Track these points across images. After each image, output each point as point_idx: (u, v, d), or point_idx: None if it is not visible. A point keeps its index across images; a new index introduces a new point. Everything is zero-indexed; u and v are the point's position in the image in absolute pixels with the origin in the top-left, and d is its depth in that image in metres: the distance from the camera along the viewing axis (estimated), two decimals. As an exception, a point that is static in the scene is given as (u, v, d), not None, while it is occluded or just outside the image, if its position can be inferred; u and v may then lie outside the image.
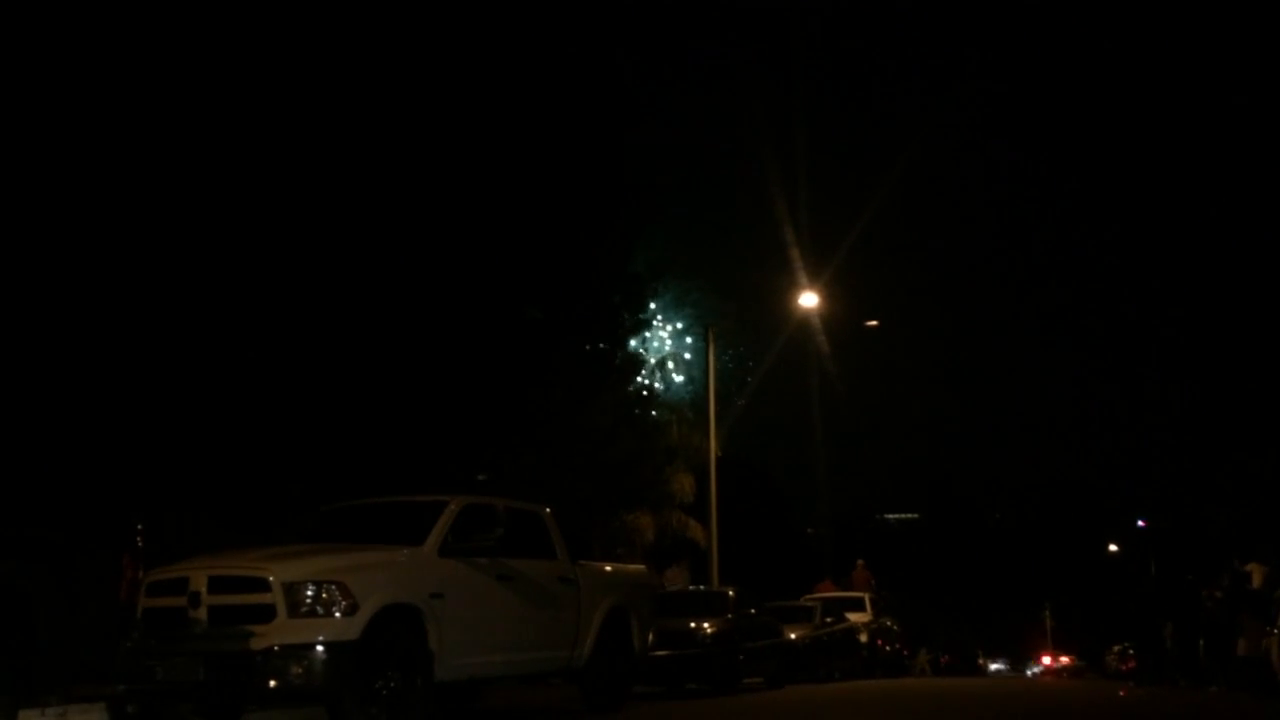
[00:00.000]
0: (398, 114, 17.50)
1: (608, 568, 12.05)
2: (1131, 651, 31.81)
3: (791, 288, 24.29)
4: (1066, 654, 64.80)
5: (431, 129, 18.10)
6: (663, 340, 27.15)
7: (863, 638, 22.73)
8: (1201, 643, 18.95)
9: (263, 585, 7.77)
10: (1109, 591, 46.62)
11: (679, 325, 26.82)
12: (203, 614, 7.86)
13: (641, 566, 13.29)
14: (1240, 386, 31.71)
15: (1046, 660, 64.79)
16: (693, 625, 14.78)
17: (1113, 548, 50.35)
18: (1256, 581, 16.87)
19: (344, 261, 16.38)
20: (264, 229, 15.45)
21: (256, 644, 7.59)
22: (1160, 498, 37.80)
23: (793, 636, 18.66)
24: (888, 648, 24.85)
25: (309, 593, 7.73)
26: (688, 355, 28.55)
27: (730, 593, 17.25)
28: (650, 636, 11.94)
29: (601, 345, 21.88)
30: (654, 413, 24.22)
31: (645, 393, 24.55)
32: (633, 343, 25.24)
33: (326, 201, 16.17)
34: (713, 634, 14.84)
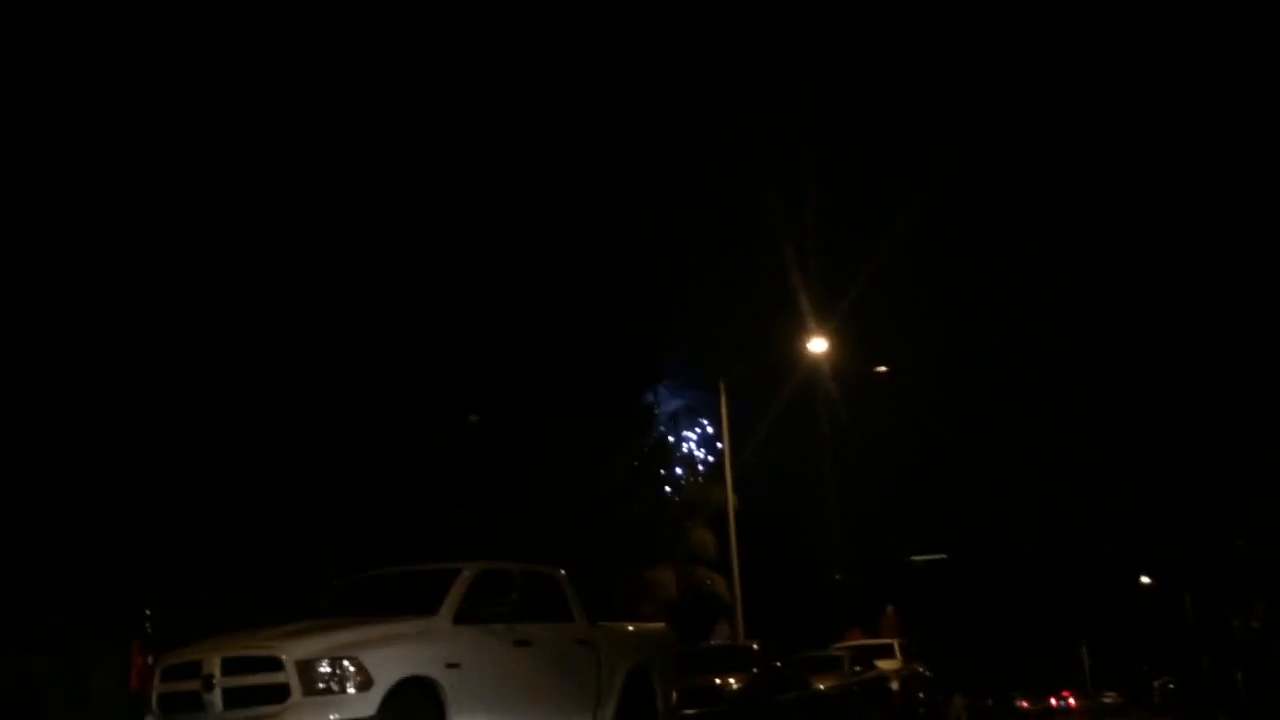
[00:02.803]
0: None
1: (629, 628, 11.90)
2: (1172, 686, 31.21)
3: (802, 334, 24.21)
4: (1110, 690, 63.57)
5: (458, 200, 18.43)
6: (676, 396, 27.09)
7: (894, 685, 22.30)
8: (1240, 675, 18.58)
9: (275, 665, 7.70)
10: (1145, 624, 45.82)
11: (691, 378, 26.81)
12: (217, 697, 7.80)
13: (662, 625, 13.12)
14: (1270, 413, 31.30)
15: (1054, 701, 63.57)
16: (718, 681, 14.54)
17: (1145, 580, 49.53)
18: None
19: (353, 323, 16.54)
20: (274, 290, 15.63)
21: (273, 725, 7.52)
22: (1190, 528, 37.24)
23: (821, 687, 18.33)
24: (921, 694, 24.38)
25: (323, 670, 7.66)
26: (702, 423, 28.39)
27: (755, 646, 17.00)
28: (674, 696, 11.76)
29: (614, 400, 21.86)
30: (672, 469, 24.11)
31: (661, 447, 24.46)
32: (646, 397, 25.24)
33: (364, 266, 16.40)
34: (738, 690, 14.59)
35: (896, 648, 24.24)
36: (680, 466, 24.50)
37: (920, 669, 25.19)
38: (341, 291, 16.74)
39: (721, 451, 22.42)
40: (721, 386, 22.42)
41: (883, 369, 26.37)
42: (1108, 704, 58.90)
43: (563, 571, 10.61)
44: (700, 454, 25.96)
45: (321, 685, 7.64)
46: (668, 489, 23.63)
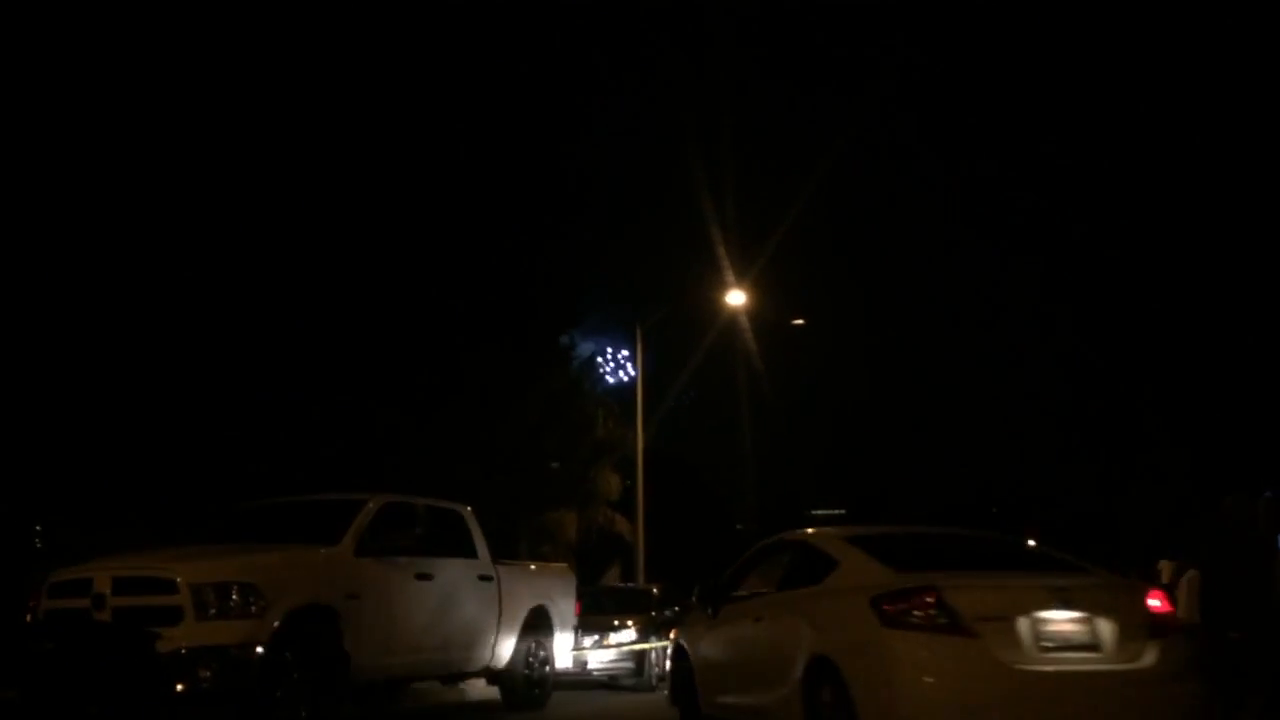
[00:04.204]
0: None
1: (531, 567, 11.99)
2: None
3: (721, 286, 24.33)
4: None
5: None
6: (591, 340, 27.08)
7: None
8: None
9: (170, 587, 7.57)
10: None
11: (608, 323, 26.79)
12: (107, 616, 7.65)
13: (564, 565, 13.25)
14: (1150, 387, 32.62)
15: None
16: (616, 623, 14.78)
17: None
18: (1166, 577, 17.35)
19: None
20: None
21: (163, 646, 7.40)
22: (1073, 493, 38.70)
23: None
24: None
25: (218, 594, 7.56)
26: (623, 353, 28.45)
27: (654, 590, 17.28)
28: (573, 635, 11.92)
29: (529, 340, 21.75)
30: (582, 409, 24.14)
31: (573, 389, 24.47)
32: (561, 339, 25.17)
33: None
34: (636, 631, 14.85)
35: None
36: (592, 410, 24.54)
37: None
38: (256, 215, 16.32)
39: (635, 397, 22.51)
40: (639, 333, 22.45)
41: (799, 321, 26.63)
42: None
43: (469, 508, 10.61)
44: (614, 388, 26.06)
45: (216, 609, 7.54)
46: (578, 431, 23.66)
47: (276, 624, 7.70)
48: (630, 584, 21.79)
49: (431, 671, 9.88)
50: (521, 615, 10.66)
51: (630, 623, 14.89)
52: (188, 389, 14.75)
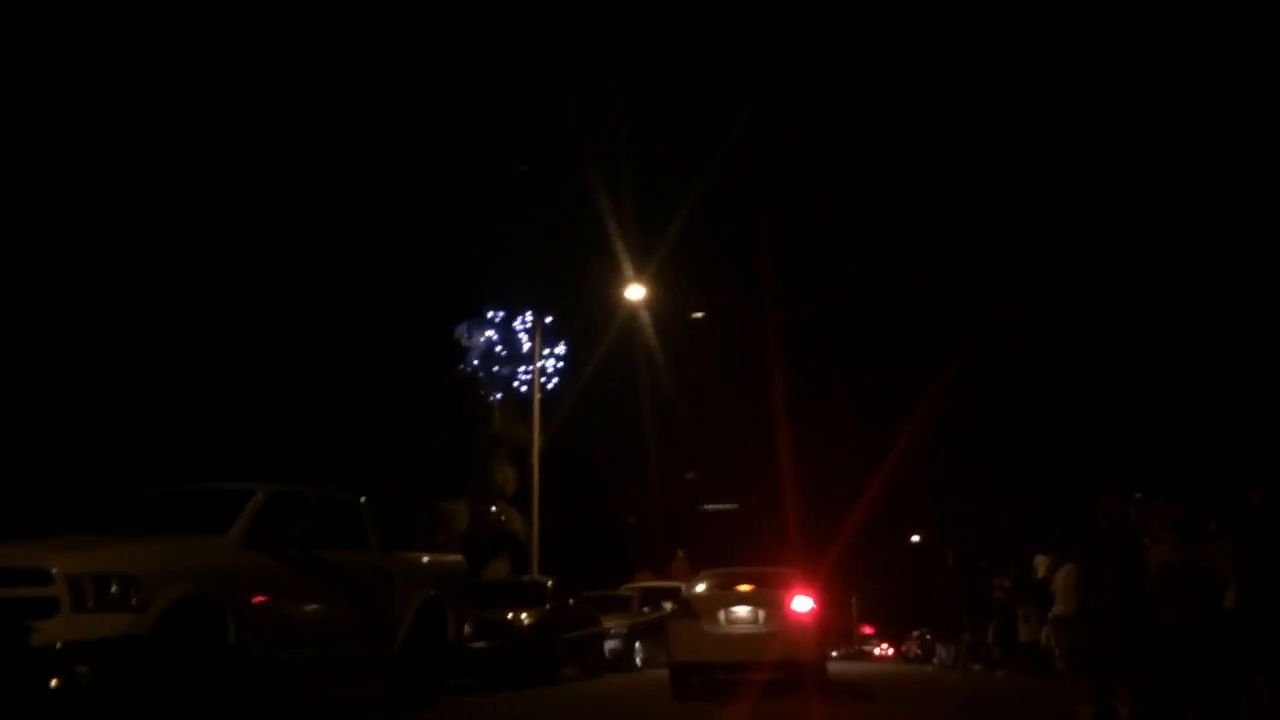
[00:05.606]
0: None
1: (423, 558, 11.83)
2: (929, 637, 33.64)
3: (622, 281, 24.35)
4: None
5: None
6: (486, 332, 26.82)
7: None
8: (991, 629, 20.20)
9: (44, 577, 7.25)
10: (910, 580, 48.98)
11: (502, 315, 26.55)
12: (-25, 609, 7.29)
13: (458, 556, 13.11)
14: (1026, 386, 33.76)
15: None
16: (510, 616, 14.71)
17: (915, 538, 52.83)
18: (1041, 572, 18.06)
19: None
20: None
21: (36, 640, 7.09)
22: (956, 490, 39.93)
23: (610, 626, 18.81)
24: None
25: (96, 586, 7.27)
26: (526, 343, 28.21)
27: (548, 583, 17.25)
28: (466, 627, 11.80)
29: (420, 333, 21.51)
30: (477, 402, 23.95)
31: (469, 382, 24.26)
32: (458, 330, 24.93)
33: None
34: (530, 624, 14.81)
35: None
36: (488, 403, 24.37)
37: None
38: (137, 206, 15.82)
39: (532, 390, 22.44)
40: (536, 324, 22.39)
41: (699, 315, 26.83)
42: (865, 652, 62.94)
43: (363, 499, 10.42)
44: (510, 381, 25.92)
45: (93, 601, 7.25)
46: (473, 423, 23.48)
47: (158, 617, 7.45)
48: (525, 577, 21.73)
49: (321, 665, 9.67)
50: (414, 607, 10.51)
51: (524, 616, 14.84)
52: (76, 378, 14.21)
